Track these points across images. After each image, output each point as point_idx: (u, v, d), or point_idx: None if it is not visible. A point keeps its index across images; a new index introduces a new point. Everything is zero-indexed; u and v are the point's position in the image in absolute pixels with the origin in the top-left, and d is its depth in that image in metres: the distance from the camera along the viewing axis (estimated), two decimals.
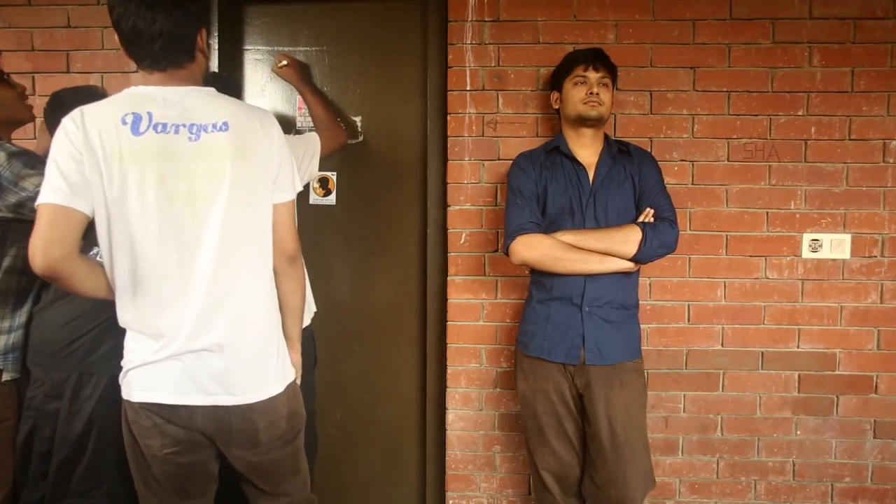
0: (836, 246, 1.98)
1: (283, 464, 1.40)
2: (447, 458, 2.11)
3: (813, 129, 1.96)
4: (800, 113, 1.96)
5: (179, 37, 1.22)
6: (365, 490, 2.24)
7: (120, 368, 1.30)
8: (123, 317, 1.27)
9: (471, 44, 1.99)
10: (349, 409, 2.21)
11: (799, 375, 2.02)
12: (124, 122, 1.20)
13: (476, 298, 2.05)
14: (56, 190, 1.16)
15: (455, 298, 2.05)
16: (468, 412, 2.09)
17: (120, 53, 1.97)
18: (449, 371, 2.07)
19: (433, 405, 2.16)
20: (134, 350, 1.27)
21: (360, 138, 2.15)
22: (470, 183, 2.02)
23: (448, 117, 2.01)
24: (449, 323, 2.06)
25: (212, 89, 1.30)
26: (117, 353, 1.31)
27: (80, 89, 1.64)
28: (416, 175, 2.14)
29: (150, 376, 1.26)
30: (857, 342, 2.00)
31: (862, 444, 2.03)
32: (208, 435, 1.30)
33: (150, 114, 1.22)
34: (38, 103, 2.02)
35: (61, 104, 1.49)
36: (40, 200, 1.16)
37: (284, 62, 1.96)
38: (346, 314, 2.18)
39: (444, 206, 2.05)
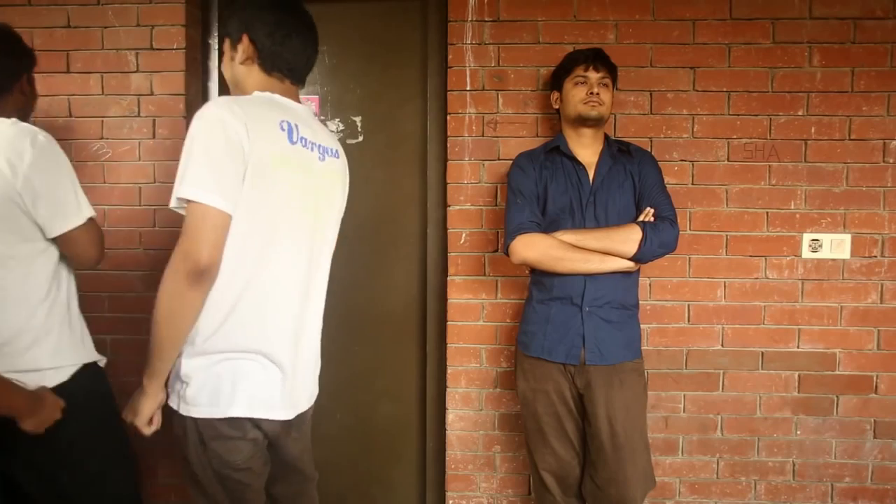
0: (836, 246, 1.98)
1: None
2: (447, 458, 2.11)
3: (813, 129, 1.96)
4: (800, 113, 1.96)
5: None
6: (365, 490, 2.24)
7: None
8: (223, 321, 1.18)
9: (471, 44, 1.99)
10: (349, 409, 2.21)
11: (799, 375, 2.02)
12: (282, 129, 1.22)
13: (476, 298, 2.05)
14: (219, 193, 1.10)
15: (455, 298, 2.05)
16: (468, 412, 2.09)
17: (120, 53, 2.00)
18: (449, 371, 2.07)
19: (433, 405, 2.16)
20: (233, 360, 1.19)
21: (360, 138, 2.15)
22: (470, 183, 2.02)
23: (448, 117, 2.01)
24: (449, 323, 2.06)
25: None
26: None
27: None
28: (416, 175, 2.14)
29: (261, 389, 1.21)
30: (857, 342, 2.00)
31: (862, 444, 2.03)
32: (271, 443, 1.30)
33: (297, 126, 1.26)
34: (39, 103, 2.02)
35: None
36: (204, 200, 1.09)
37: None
38: (345, 314, 2.18)
39: (444, 206, 2.05)
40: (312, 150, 1.28)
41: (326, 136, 1.36)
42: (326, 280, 1.42)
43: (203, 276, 1.11)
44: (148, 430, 1.24)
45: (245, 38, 1.26)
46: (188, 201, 1.10)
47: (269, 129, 1.18)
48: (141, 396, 1.20)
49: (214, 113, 1.14)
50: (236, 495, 1.25)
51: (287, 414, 1.27)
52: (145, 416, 1.21)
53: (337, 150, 1.37)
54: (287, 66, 1.29)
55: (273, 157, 1.17)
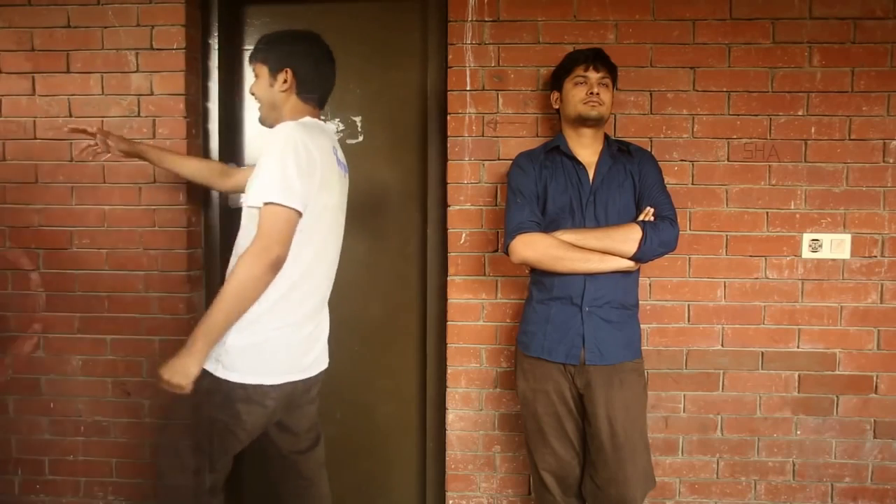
0: (836, 246, 1.98)
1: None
2: (447, 458, 2.11)
3: (813, 129, 1.96)
4: (800, 113, 1.96)
5: None
6: (365, 490, 2.24)
7: None
8: (273, 304, 1.43)
9: (471, 44, 1.99)
10: (349, 409, 2.21)
11: (799, 375, 2.02)
12: (334, 153, 1.54)
13: (476, 298, 2.05)
14: (300, 200, 1.39)
15: (455, 298, 2.05)
16: (468, 412, 2.09)
17: (120, 53, 2.00)
18: (449, 371, 2.07)
19: (433, 405, 2.16)
20: (275, 337, 1.45)
21: (360, 138, 2.15)
22: (470, 183, 2.02)
23: (448, 117, 2.01)
24: (449, 323, 2.06)
25: None
26: None
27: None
28: (416, 175, 2.14)
29: (290, 359, 1.50)
30: (857, 342, 2.00)
31: (862, 444, 2.03)
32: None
33: (336, 148, 1.58)
34: (39, 103, 2.04)
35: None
36: (290, 203, 1.36)
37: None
38: (346, 314, 2.18)
39: (444, 206, 2.05)
40: (340, 167, 1.58)
41: (341, 151, 1.63)
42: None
43: (280, 265, 1.36)
44: (188, 389, 1.37)
45: (288, 72, 1.51)
46: (271, 203, 1.34)
47: (326, 151, 1.48)
48: (189, 358, 1.35)
49: (295, 134, 1.40)
50: (225, 446, 1.47)
51: (309, 373, 1.56)
52: (192, 376, 1.36)
53: (345, 164, 1.64)
54: (319, 94, 1.58)
55: (328, 175, 1.46)
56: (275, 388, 1.45)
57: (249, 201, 1.40)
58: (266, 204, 1.35)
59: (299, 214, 1.38)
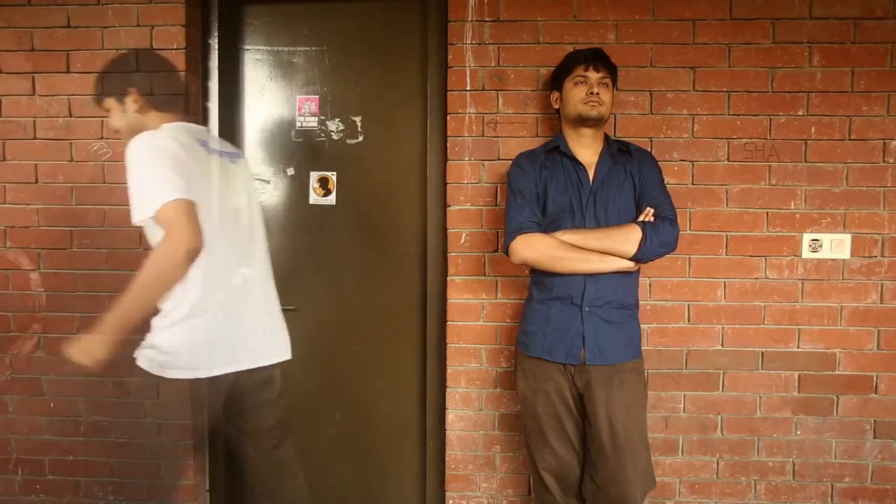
0: (836, 246, 1.98)
1: None
2: (447, 458, 2.11)
3: (813, 129, 1.96)
4: (800, 113, 1.96)
5: None
6: (365, 490, 2.24)
7: None
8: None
9: (471, 44, 1.99)
10: (349, 409, 2.21)
11: (799, 375, 2.02)
12: (204, 145, 1.60)
13: (476, 298, 2.05)
14: (184, 189, 1.45)
15: (455, 298, 2.05)
16: (468, 412, 2.09)
17: (120, 54, 1.99)
18: (449, 371, 2.07)
19: (433, 405, 2.16)
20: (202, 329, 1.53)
21: (360, 138, 2.15)
22: (470, 183, 2.02)
23: (448, 117, 2.01)
24: (449, 323, 2.06)
25: None
26: None
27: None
28: (416, 175, 2.14)
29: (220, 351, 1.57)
30: (857, 342, 2.00)
31: (862, 444, 2.03)
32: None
33: (207, 140, 1.63)
34: (39, 103, 2.04)
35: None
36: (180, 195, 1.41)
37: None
38: (346, 314, 2.18)
39: (444, 206, 2.05)
40: (222, 155, 1.63)
41: (220, 142, 1.73)
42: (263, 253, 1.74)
43: (194, 254, 1.39)
44: (92, 369, 1.45)
45: (133, 91, 1.58)
46: (160, 206, 1.37)
47: (190, 147, 1.51)
48: (95, 340, 1.43)
49: (144, 142, 1.44)
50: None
51: (246, 365, 1.60)
52: (96, 358, 1.44)
53: (235, 150, 1.76)
54: (171, 98, 1.67)
55: (204, 168, 1.52)
56: (210, 381, 1.52)
57: (139, 218, 1.41)
58: (157, 211, 1.38)
59: (193, 203, 1.40)
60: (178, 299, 1.48)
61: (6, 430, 2.12)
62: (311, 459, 2.22)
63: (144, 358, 1.51)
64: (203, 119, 2.10)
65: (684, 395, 2.04)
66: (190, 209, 1.39)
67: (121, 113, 1.59)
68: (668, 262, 1.97)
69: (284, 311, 2.12)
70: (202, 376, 1.51)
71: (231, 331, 1.56)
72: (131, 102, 1.58)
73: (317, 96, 2.14)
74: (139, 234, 2.05)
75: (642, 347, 1.78)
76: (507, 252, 1.70)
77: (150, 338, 1.51)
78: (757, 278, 2.00)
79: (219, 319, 1.53)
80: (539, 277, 1.73)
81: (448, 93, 2.01)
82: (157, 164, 1.40)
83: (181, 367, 1.50)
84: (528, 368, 1.73)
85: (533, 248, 1.64)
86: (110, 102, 1.60)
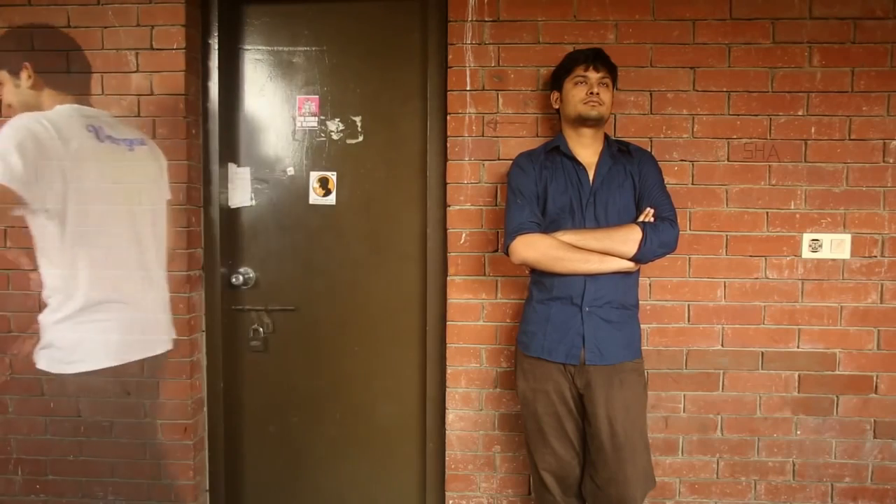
0: (836, 246, 1.98)
1: None
2: (447, 458, 2.11)
3: (813, 129, 1.96)
4: (800, 113, 1.96)
5: None
6: (365, 490, 2.24)
7: None
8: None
9: (471, 44, 1.99)
10: (349, 409, 2.21)
11: (799, 375, 2.02)
12: (94, 131, 1.65)
13: (476, 298, 2.05)
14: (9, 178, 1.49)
15: (455, 298, 2.05)
16: (468, 412, 2.09)
17: (120, 53, 2.00)
18: (449, 371, 2.07)
19: (433, 405, 2.16)
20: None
21: (360, 138, 2.15)
22: (470, 183, 2.02)
23: (448, 117, 2.01)
24: (449, 323, 2.06)
25: None
26: None
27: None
28: (416, 175, 2.14)
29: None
30: (857, 342, 2.00)
31: (862, 444, 2.03)
32: None
33: (99, 127, 1.70)
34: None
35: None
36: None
37: None
38: (345, 314, 2.18)
39: (444, 206, 2.05)
40: (110, 141, 1.66)
41: (117, 127, 1.77)
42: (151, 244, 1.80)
43: None
44: None
45: (28, 66, 1.58)
46: None
47: (76, 135, 1.53)
48: None
49: (21, 123, 1.46)
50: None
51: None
52: None
53: (133, 138, 1.81)
54: (69, 78, 1.63)
55: (79, 157, 1.54)
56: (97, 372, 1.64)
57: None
58: None
59: (7, 189, 1.43)
60: (65, 293, 1.52)
61: (6, 430, 2.12)
62: (311, 459, 2.22)
63: (43, 358, 1.56)
64: (203, 119, 2.10)
65: (684, 395, 2.04)
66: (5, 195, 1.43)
67: (14, 87, 1.60)
68: (668, 262, 1.98)
69: (285, 310, 2.14)
70: (104, 366, 1.57)
71: (126, 322, 1.62)
72: (25, 78, 1.59)
73: (317, 96, 2.14)
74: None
75: (642, 347, 1.78)
76: (507, 252, 1.70)
77: (45, 336, 1.56)
78: (757, 278, 2.00)
79: (113, 310, 1.58)
80: (539, 277, 1.73)
81: (448, 93, 2.01)
82: (5, 143, 1.43)
83: (82, 361, 1.55)
84: (528, 368, 1.73)
85: (533, 248, 1.64)
86: (3, 76, 1.60)
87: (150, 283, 1.72)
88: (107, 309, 1.58)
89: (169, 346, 1.87)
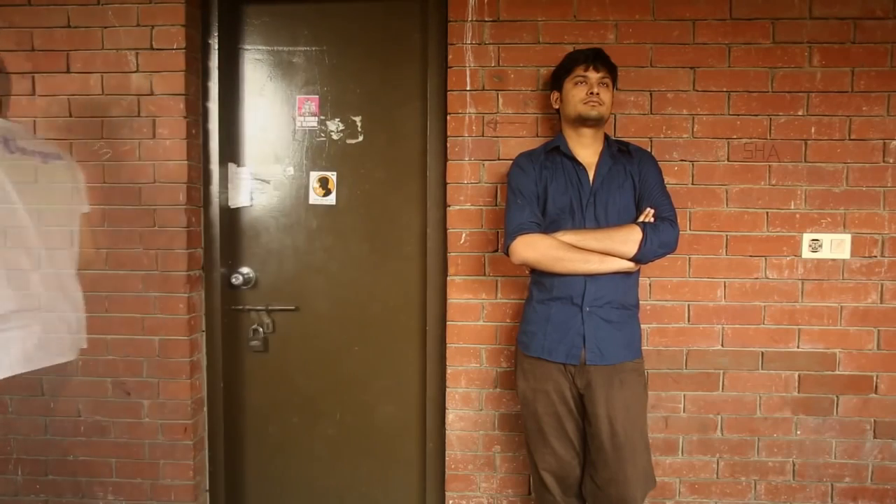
0: (836, 246, 1.98)
1: None
2: (447, 458, 2.11)
3: (813, 129, 1.96)
4: (800, 113, 1.96)
5: None
6: (365, 490, 2.24)
7: None
8: None
9: (471, 44, 1.99)
10: (349, 409, 2.21)
11: (799, 375, 2.02)
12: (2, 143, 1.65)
13: (476, 298, 2.05)
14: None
15: (455, 298, 2.05)
16: (468, 412, 2.09)
17: (120, 53, 2.00)
18: (449, 371, 2.07)
19: (433, 405, 2.16)
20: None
21: (360, 138, 2.15)
22: (470, 183, 2.02)
23: (448, 117, 2.01)
24: (449, 323, 2.06)
25: None
26: None
27: None
28: (416, 175, 2.14)
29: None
30: (857, 342, 2.00)
31: (862, 444, 2.03)
32: None
33: (9, 139, 1.64)
34: (39, 103, 2.04)
35: None
36: None
37: None
38: (345, 314, 2.18)
39: (444, 206, 2.05)
40: (22, 153, 1.68)
41: (29, 140, 1.76)
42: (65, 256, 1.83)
43: None
44: None
45: None
46: None
47: None
48: None
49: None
50: None
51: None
52: None
53: (47, 151, 1.78)
54: None
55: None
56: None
57: None
58: None
59: None
60: None
61: (6, 430, 2.12)
62: (311, 459, 2.23)
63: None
64: (203, 119, 2.10)
65: (684, 395, 2.04)
66: None
67: None
68: (668, 262, 1.98)
69: (285, 310, 2.14)
70: (17, 372, 1.61)
71: (35, 331, 1.66)
72: None
73: (317, 96, 2.14)
74: (139, 234, 2.05)
75: (642, 347, 1.78)
76: (507, 252, 1.70)
77: None
78: (757, 278, 2.00)
79: (25, 320, 1.64)
80: (539, 277, 1.73)
81: (448, 93, 2.01)
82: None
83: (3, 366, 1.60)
84: (529, 368, 1.73)
85: (533, 248, 1.64)
86: None
87: (62, 288, 1.79)
88: (17, 318, 1.64)
89: (75, 356, 1.93)
